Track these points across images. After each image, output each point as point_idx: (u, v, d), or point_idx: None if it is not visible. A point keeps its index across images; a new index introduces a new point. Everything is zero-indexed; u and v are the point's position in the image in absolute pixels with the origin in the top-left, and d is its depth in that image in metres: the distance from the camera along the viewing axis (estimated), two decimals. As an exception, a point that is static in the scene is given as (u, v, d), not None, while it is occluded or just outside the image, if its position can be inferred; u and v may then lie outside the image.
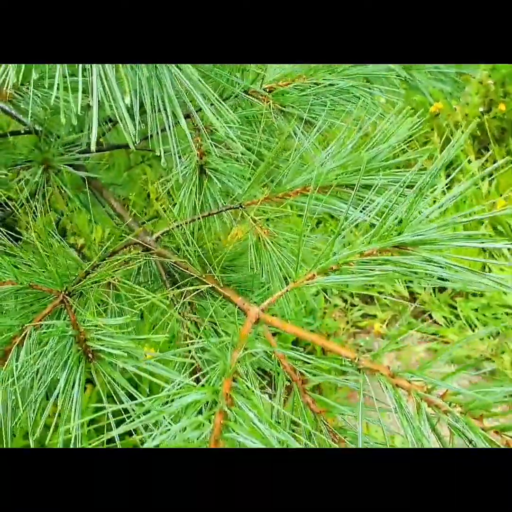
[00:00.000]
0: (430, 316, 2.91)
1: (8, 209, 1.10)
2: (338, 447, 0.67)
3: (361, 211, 0.75)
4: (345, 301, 3.00)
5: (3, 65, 0.47)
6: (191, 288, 0.74)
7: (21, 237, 0.84)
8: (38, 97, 1.07)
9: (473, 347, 2.79)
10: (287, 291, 0.68)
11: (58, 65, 0.53)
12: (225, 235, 1.06)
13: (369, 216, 0.72)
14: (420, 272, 0.63)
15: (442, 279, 0.64)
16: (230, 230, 1.02)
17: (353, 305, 2.98)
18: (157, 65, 0.60)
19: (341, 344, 0.59)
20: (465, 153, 3.33)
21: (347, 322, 2.90)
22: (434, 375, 0.59)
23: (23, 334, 0.69)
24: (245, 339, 0.63)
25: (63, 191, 1.11)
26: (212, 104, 0.74)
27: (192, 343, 0.69)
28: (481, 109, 3.40)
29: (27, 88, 1.10)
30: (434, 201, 0.69)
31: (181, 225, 0.87)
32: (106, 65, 0.49)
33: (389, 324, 2.92)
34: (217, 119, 0.62)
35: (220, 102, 0.64)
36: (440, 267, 0.63)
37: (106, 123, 1.34)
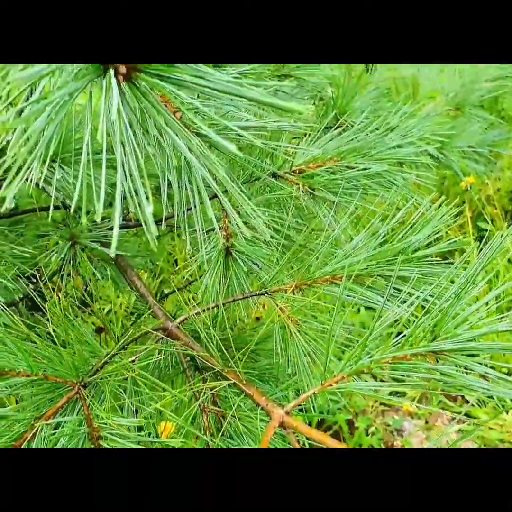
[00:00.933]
0: (462, 396, 2.80)
1: (31, 285, 1.08)
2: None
3: (398, 305, 0.71)
4: (375, 377, 2.91)
5: (29, 159, 0.45)
6: (211, 384, 0.70)
7: (45, 313, 0.82)
8: (68, 173, 1.07)
9: (507, 430, 2.66)
10: (314, 393, 0.63)
11: (84, 146, 0.51)
12: (249, 317, 1.02)
13: (406, 311, 0.68)
14: (458, 382, 0.58)
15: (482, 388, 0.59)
16: (255, 311, 0.98)
17: (382, 381, 2.89)
18: (187, 160, 0.59)
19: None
20: (496, 228, 3.28)
21: (376, 400, 2.80)
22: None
23: (34, 430, 0.65)
24: (267, 446, 0.59)
25: (88, 268, 1.10)
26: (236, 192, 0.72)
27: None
28: (513, 184, 3.37)
29: (59, 164, 1.10)
30: (475, 300, 0.65)
31: (203, 310, 0.84)
32: (131, 161, 0.47)
33: (419, 402, 2.81)
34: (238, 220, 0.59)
35: (244, 195, 0.62)
36: (480, 375, 0.58)
37: (133, 197, 1.34)
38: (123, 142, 0.43)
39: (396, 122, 1.16)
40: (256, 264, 0.96)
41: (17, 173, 0.40)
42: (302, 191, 1.04)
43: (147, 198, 0.41)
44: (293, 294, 0.83)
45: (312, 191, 1.03)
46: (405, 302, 0.70)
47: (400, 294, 0.76)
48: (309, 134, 1.07)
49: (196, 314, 0.82)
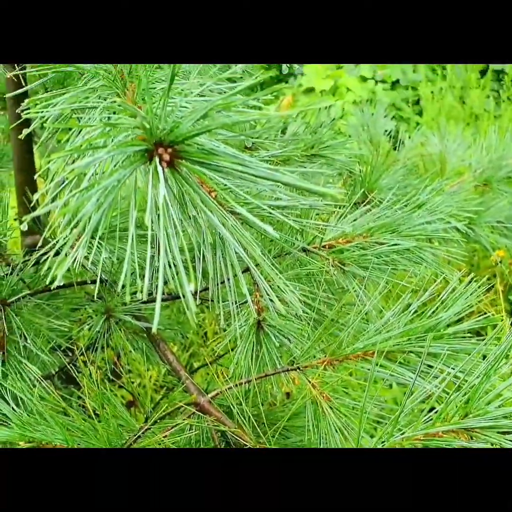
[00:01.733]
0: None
1: (66, 358, 1.10)
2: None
3: (429, 382, 0.72)
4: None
5: (77, 242, 0.48)
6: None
7: (80, 385, 0.83)
8: (107, 250, 1.12)
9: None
10: (347, 471, 0.63)
11: (130, 227, 0.54)
12: (280, 392, 1.02)
13: (438, 387, 0.68)
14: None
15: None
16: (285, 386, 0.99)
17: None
18: (221, 236, 0.61)
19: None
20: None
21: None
22: None
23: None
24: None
25: (120, 344, 1.12)
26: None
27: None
28: (544, 257, 3.34)
29: (99, 242, 1.14)
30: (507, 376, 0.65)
31: (236, 385, 0.85)
32: (172, 241, 0.49)
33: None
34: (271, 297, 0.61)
35: (276, 270, 0.64)
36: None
37: (174, 276, 1.37)
38: (166, 226, 0.46)
39: (424, 199, 1.18)
40: (287, 338, 0.97)
41: (66, 254, 0.43)
42: (332, 266, 1.06)
43: (188, 277, 0.43)
44: (325, 369, 0.84)
45: (342, 266, 1.04)
46: (436, 378, 0.71)
47: (431, 370, 0.76)
48: (338, 211, 1.10)
49: (228, 389, 0.83)
